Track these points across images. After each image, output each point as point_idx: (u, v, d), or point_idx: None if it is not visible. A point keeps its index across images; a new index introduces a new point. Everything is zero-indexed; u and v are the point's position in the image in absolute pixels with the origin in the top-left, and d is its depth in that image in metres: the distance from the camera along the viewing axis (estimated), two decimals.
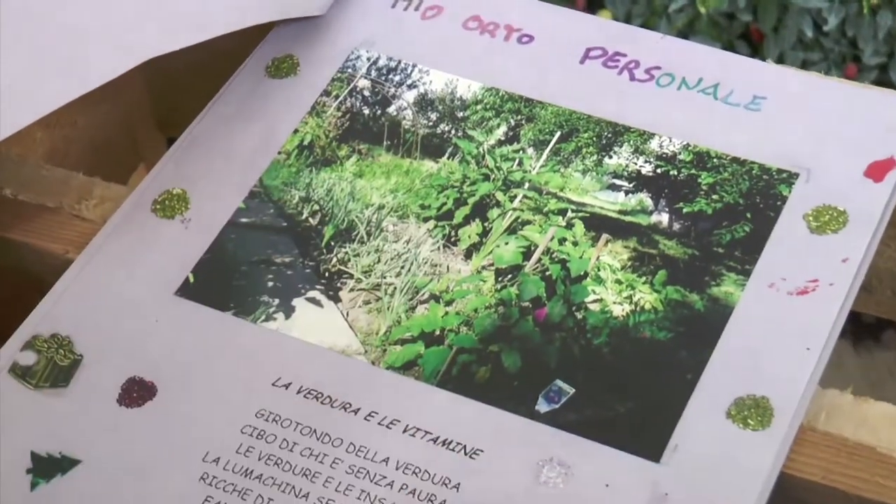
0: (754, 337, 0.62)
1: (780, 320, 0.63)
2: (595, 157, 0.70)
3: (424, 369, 0.64)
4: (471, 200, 0.70)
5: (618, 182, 0.69)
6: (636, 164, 0.70)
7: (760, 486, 0.58)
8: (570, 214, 0.68)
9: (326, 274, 0.68)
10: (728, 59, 0.73)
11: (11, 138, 0.66)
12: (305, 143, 0.72)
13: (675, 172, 0.69)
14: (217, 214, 0.70)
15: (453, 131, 0.72)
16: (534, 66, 0.73)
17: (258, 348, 0.65)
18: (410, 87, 0.74)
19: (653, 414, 0.61)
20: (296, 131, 0.73)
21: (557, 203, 0.69)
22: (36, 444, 0.63)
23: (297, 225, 0.70)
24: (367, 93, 0.74)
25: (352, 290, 0.67)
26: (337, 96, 0.74)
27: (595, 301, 0.65)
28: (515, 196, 0.69)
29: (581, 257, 0.67)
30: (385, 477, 0.61)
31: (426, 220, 0.69)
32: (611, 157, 0.70)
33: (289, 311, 0.66)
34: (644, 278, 0.65)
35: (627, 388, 0.62)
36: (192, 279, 0.67)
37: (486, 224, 0.69)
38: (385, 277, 0.67)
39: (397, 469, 0.61)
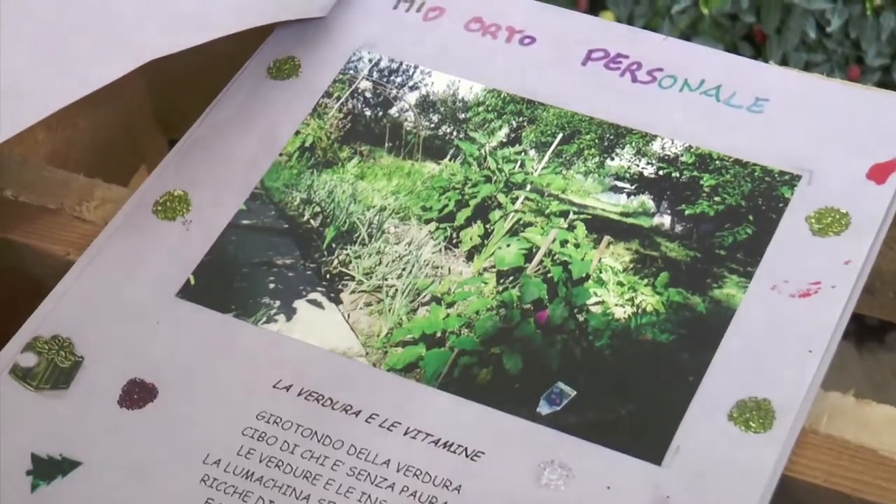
0: (756, 339, 0.62)
1: (782, 323, 0.63)
2: (597, 159, 0.70)
3: (426, 371, 0.63)
4: (472, 202, 0.70)
5: (620, 184, 0.69)
6: (638, 165, 0.70)
7: (762, 488, 0.58)
8: (571, 216, 0.68)
9: (328, 276, 0.68)
10: (730, 60, 0.73)
11: (13, 139, 0.66)
12: (307, 144, 0.72)
13: (678, 174, 0.69)
14: (218, 216, 0.70)
15: (455, 133, 0.72)
16: (536, 68, 0.73)
17: (259, 350, 0.65)
18: (412, 88, 0.74)
19: (654, 416, 0.61)
20: (297, 133, 0.73)
21: (559, 205, 0.69)
22: (36, 446, 0.63)
23: (299, 227, 0.70)
24: (368, 94, 0.74)
25: (353, 291, 0.67)
26: (338, 98, 0.74)
27: (597, 303, 0.65)
28: (517, 198, 0.69)
29: (583, 259, 0.66)
30: (386, 479, 0.60)
31: (428, 221, 0.69)
32: (613, 158, 0.70)
33: (290, 312, 0.66)
34: (646, 280, 0.65)
35: (629, 390, 0.62)
36: (193, 281, 0.67)
37: (487, 226, 0.69)
38: (386, 279, 0.67)
39: (398, 471, 0.61)
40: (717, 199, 0.68)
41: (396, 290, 0.67)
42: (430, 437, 0.61)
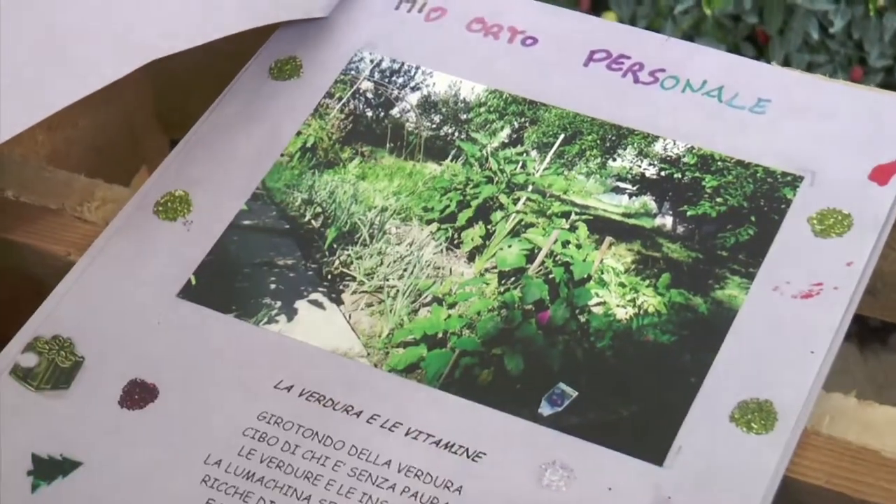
0: (758, 340, 0.62)
1: (784, 324, 0.63)
2: (599, 160, 0.70)
3: (427, 372, 0.63)
4: (474, 203, 0.69)
5: (621, 185, 0.69)
6: (640, 166, 0.69)
7: (764, 489, 0.58)
8: (573, 217, 0.68)
9: (329, 276, 0.68)
10: (732, 61, 0.73)
11: (13, 140, 0.66)
12: (308, 145, 0.72)
13: (679, 175, 0.69)
14: (219, 216, 0.70)
15: (456, 133, 0.72)
16: (537, 69, 0.73)
17: (260, 350, 0.65)
18: (414, 89, 0.74)
19: (656, 417, 0.61)
20: (299, 133, 0.73)
21: (561, 206, 0.69)
22: (37, 446, 0.63)
23: (300, 227, 0.70)
24: (370, 95, 0.74)
25: (354, 292, 0.67)
26: (340, 98, 0.74)
27: (598, 304, 0.65)
28: (519, 199, 0.69)
29: (584, 260, 0.66)
30: (387, 479, 0.60)
31: (429, 222, 0.69)
32: (615, 159, 0.70)
33: (291, 313, 0.66)
34: (648, 281, 0.65)
35: (630, 391, 0.62)
36: (194, 281, 0.67)
37: (489, 227, 0.68)
38: (388, 280, 0.67)
39: (399, 472, 0.61)
40: (719, 199, 0.68)
41: (398, 290, 0.67)
42: (432, 438, 0.61)
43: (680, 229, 0.67)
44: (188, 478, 0.61)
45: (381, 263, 0.68)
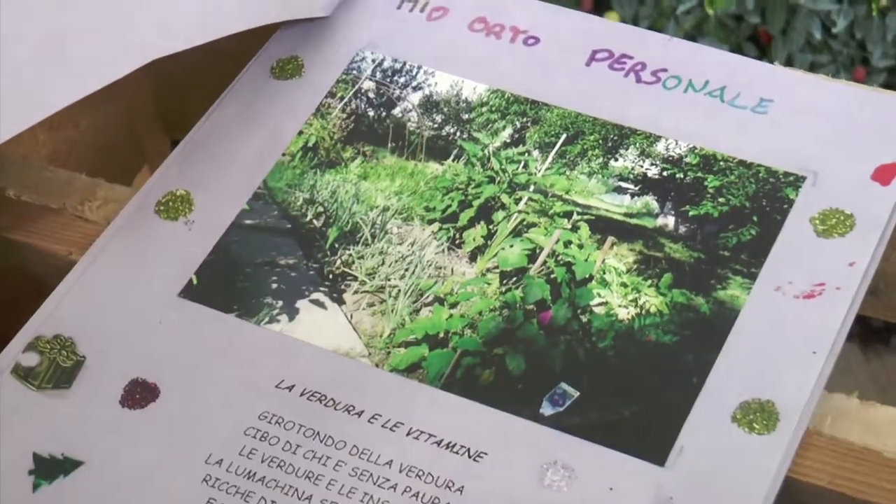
0: (760, 340, 0.62)
1: (787, 324, 0.62)
2: (601, 160, 0.70)
3: (428, 372, 0.63)
4: (476, 203, 0.69)
5: (623, 185, 0.69)
6: (642, 166, 0.69)
7: (766, 490, 0.58)
8: (575, 217, 0.68)
9: (330, 276, 0.68)
10: (735, 61, 0.73)
11: (14, 140, 0.65)
12: (310, 144, 0.72)
13: (682, 175, 0.69)
14: (221, 216, 0.70)
15: (458, 133, 0.72)
16: (540, 68, 0.73)
17: (261, 350, 0.65)
18: (415, 88, 0.74)
19: (658, 417, 0.61)
20: (300, 133, 0.73)
21: (563, 205, 0.69)
22: (38, 446, 0.63)
23: (302, 227, 0.70)
24: (371, 94, 0.74)
25: (356, 292, 0.67)
26: (342, 98, 0.74)
27: (600, 304, 0.65)
28: (521, 198, 0.69)
29: (586, 260, 0.66)
30: (388, 479, 0.60)
31: (431, 222, 0.69)
32: (617, 159, 0.70)
33: (292, 312, 0.66)
34: (650, 281, 0.65)
35: (632, 391, 0.62)
36: (195, 281, 0.67)
37: (490, 226, 0.68)
38: (389, 280, 0.67)
39: (400, 472, 0.60)
40: (721, 200, 0.68)
41: (399, 290, 0.67)
42: (433, 438, 0.61)
43: (682, 229, 0.67)
44: (189, 477, 0.61)
45: (383, 263, 0.68)
